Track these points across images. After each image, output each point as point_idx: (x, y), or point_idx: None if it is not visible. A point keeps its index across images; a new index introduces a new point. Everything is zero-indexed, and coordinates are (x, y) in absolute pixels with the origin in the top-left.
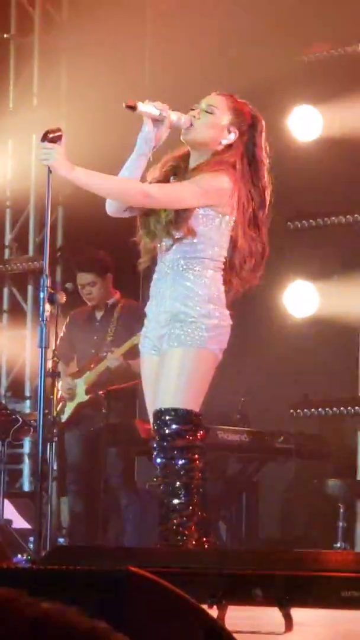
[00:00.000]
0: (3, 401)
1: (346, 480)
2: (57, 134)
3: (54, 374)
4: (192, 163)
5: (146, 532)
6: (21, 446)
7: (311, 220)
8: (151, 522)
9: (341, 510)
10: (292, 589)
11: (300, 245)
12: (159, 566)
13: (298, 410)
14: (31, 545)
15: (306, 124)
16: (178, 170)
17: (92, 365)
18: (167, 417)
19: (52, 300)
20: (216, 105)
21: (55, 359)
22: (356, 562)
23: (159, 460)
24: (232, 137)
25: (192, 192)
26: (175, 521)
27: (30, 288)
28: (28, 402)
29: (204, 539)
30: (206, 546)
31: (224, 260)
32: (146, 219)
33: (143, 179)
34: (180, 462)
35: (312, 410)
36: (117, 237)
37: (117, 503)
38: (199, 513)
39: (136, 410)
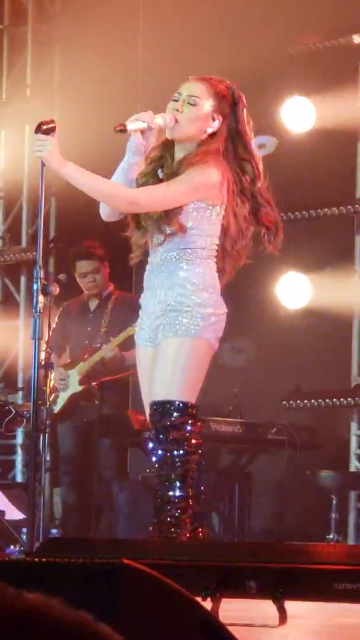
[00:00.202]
0: None
1: (339, 472)
2: (50, 126)
3: (47, 365)
4: (178, 153)
5: (139, 524)
6: (14, 437)
7: (304, 212)
8: (144, 514)
9: (334, 501)
10: (285, 582)
11: (293, 237)
12: (152, 558)
13: (291, 402)
14: (24, 537)
15: (299, 115)
16: (164, 162)
17: (85, 356)
18: (164, 409)
19: (45, 291)
20: (198, 94)
21: (48, 350)
22: (349, 554)
23: (154, 451)
24: (216, 124)
25: (180, 192)
26: (169, 513)
27: (23, 279)
28: (21, 393)
29: (198, 530)
30: (199, 538)
31: (217, 247)
32: (137, 214)
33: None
34: (176, 453)
35: (305, 401)
36: (110, 229)
37: (109, 494)
38: (193, 505)
39: (129, 402)
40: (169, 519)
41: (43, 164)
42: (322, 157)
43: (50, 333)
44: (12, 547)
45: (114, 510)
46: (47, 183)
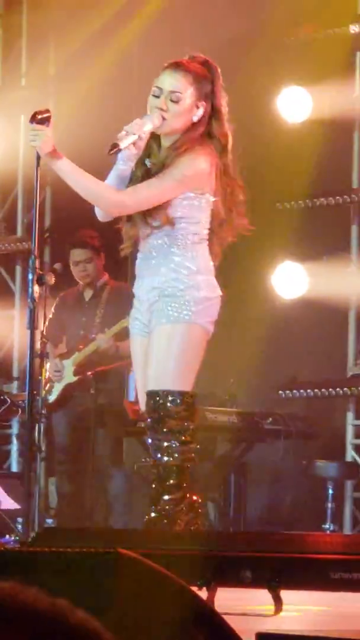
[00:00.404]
0: None
1: (335, 462)
2: (45, 115)
3: (42, 355)
4: (165, 141)
5: (135, 514)
6: (9, 427)
7: (300, 202)
8: (140, 504)
9: (330, 491)
10: (281, 571)
11: (290, 227)
12: (147, 548)
13: (287, 392)
14: (19, 527)
15: (295, 105)
16: (151, 151)
17: (80, 347)
18: (160, 398)
19: (40, 281)
20: (179, 89)
21: (43, 340)
22: (345, 544)
23: (151, 441)
24: (200, 112)
25: (167, 188)
26: (165, 503)
27: (18, 269)
28: (16, 383)
29: (194, 520)
30: (195, 527)
31: (208, 231)
32: None
33: None
34: (173, 443)
35: (301, 391)
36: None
37: (105, 484)
38: (189, 495)
39: (124, 391)
40: (164, 508)
41: (38, 154)
42: (319, 146)
43: (47, 323)
44: (7, 536)
45: (109, 500)
46: (43, 173)
